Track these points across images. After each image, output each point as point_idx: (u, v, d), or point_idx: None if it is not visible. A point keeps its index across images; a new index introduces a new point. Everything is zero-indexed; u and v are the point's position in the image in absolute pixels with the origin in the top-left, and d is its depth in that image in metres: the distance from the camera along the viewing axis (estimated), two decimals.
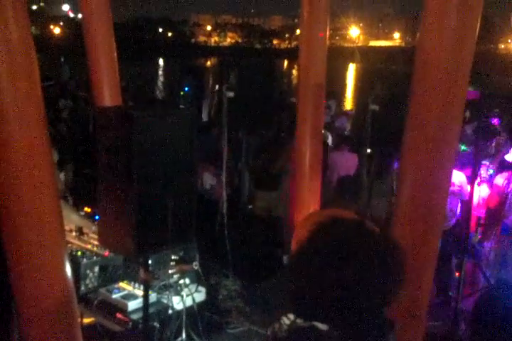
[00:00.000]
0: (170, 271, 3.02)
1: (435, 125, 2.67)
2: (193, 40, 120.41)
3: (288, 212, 5.38)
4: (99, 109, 3.23)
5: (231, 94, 5.27)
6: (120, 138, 2.44)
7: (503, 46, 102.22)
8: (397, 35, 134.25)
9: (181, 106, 7.02)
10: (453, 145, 2.76)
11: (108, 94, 4.67)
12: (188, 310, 3.12)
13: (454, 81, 2.70)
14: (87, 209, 3.83)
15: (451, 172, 2.83)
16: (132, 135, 2.39)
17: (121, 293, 3.14)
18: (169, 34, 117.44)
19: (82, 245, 3.40)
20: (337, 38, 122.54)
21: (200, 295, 3.27)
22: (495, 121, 6.95)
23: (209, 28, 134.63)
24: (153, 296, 3.03)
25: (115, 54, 4.69)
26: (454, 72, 2.69)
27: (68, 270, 2.57)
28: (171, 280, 3.03)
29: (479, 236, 5.02)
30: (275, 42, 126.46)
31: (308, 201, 4.71)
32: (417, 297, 2.66)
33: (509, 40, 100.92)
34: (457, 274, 4.25)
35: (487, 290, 4.39)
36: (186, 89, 7.05)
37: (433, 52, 2.70)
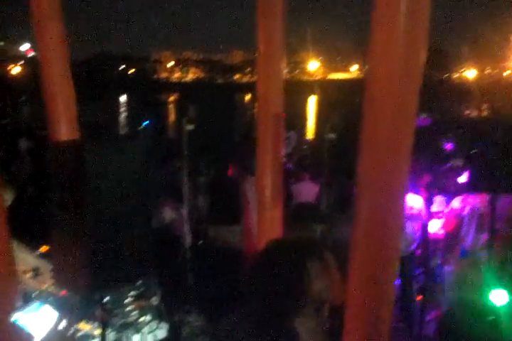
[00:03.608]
0: (128, 308, 2.94)
1: (386, 153, 2.72)
2: (155, 76, 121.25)
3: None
4: (52, 144, 3.19)
5: (191, 127, 5.31)
6: (72, 173, 2.41)
7: (457, 75, 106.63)
8: (355, 67, 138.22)
9: (138, 140, 7.02)
10: (404, 172, 2.82)
11: (65, 130, 4.63)
12: None
13: (402, 110, 2.78)
14: (43, 249, 3.73)
15: (405, 198, 2.88)
16: (84, 168, 2.36)
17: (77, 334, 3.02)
18: (131, 71, 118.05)
19: (38, 285, 3.29)
20: (297, 71, 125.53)
21: (162, 333, 3.18)
22: (448, 145, 7.17)
23: (170, 64, 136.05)
24: (111, 335, 2.93)
25: (73, 90, 4.67)
26: (403, 100, 2.77)
27: None
28: (131, 318, 2.94)
29: (439, 259, 5.09)
30: (237, 76, 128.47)
31: (270, 232, 4.69)
32: (378, 323, 2.66)
33: (462, 70, 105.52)
34: (419, 298, 4.28)
35: (448, 313, 4.43)
36: (146, 123, 7.07)
37: (381, 82, 2.78)
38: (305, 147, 10.64)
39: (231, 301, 4.90)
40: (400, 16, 2.69)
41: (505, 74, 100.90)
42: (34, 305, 2.16)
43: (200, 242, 5.77)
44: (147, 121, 6.96)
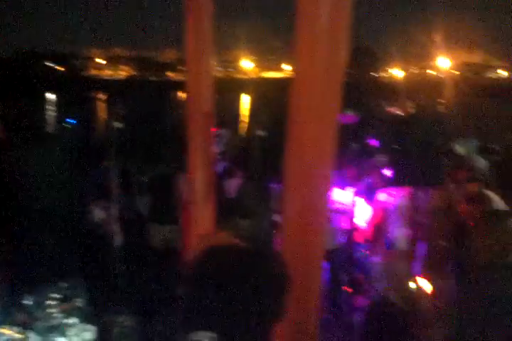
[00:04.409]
0: (51, 311, 2.85)
1: (310, 149, 2.78)
2: (84, 74, 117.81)
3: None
4: None
5: (119, 125, 5.21)
6: None
7: (384, 74, 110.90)
8: (288, 67, 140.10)
9: (65, 139, 6.84)
10: (329, 167, 2.90)
11: None
12: None
13: (325, 107, 2.85)
14: None
15: (330, 192, 2.96)
16: (6, 167, 2.28)
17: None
18: (59, 68, 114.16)
19: None
20: (230, 69, 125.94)
21: (89, 335, 3.11)
22: (373, 141, 7.45)
23: (101, 61, 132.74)
24: (35, 339, 2.84)
25: None
26: (325, 98, 2.84)
27: None
28: (56, 321, 2.86)
29: (367, 252, 5.27)
30: (170, 74, 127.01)
31: (202, 230, 4.69)
32: (306, 316, 2.72)
33: (387, 69, 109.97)
34: (347, 289, 4.42)
35: (376, 304, 4.61)
36: (72, 121, 6.86)
37: (304, 80, 2.84)
38: (238, 144, 10.68)
39: (163, 301, 4.87)
40: (321, 17, 2.76)
41: (428, 72, 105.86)
42: None
43: (140, 240, 5.65)
44: (72, 120, 6.76)
